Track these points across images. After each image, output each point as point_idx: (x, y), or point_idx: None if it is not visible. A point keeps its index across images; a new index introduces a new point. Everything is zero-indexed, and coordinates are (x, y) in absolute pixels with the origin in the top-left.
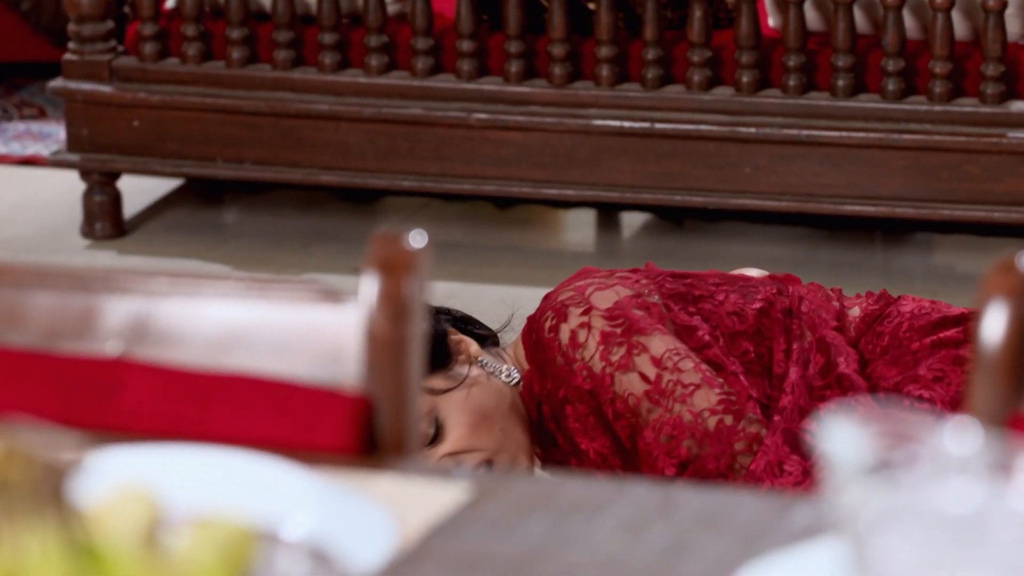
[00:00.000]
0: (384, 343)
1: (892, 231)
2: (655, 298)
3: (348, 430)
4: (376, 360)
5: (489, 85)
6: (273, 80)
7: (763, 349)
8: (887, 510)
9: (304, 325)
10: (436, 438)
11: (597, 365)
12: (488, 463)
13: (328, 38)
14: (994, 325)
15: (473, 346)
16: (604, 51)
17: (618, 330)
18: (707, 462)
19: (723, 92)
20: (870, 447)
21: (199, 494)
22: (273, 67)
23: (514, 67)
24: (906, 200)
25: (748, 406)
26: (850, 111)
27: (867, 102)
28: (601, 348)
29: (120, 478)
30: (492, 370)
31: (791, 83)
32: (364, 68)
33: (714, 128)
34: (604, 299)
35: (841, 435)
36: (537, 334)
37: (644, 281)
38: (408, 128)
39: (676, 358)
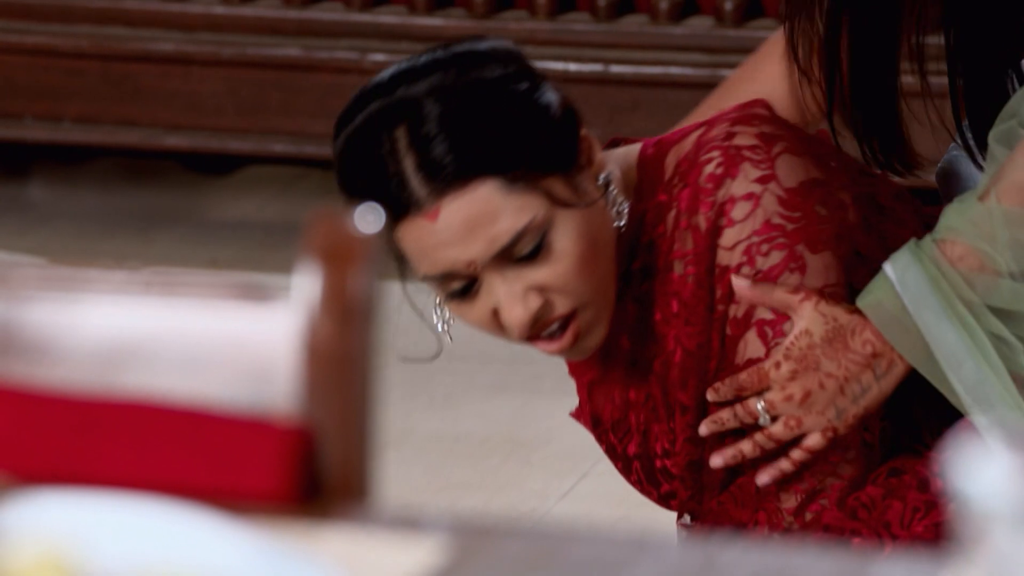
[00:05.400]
0: (329, 355)
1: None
2: (844, 196)
3: (282, 469)
4: (318, 377)
5: (388, 16)
6: (100, 11)
7: None
8: None
9: (221, 333)
10: (533, 256)
11: (736, 256)
12: (570, 317)
13: None
14: None
15: (600, 153)
16: None
17: (789, 226)
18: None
19: (700, 23)
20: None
21: (109, 557)
22: None
23: None
24: None
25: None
26: None
27: None
28: (756, 240)
29: (24, 539)
30: (611, 196)
31: None
32: None
33: (688, 71)
34: (791, 172)
35: (984, 471)
36: (688, 167)
37: (835, 165)
38: (281, 74)
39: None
